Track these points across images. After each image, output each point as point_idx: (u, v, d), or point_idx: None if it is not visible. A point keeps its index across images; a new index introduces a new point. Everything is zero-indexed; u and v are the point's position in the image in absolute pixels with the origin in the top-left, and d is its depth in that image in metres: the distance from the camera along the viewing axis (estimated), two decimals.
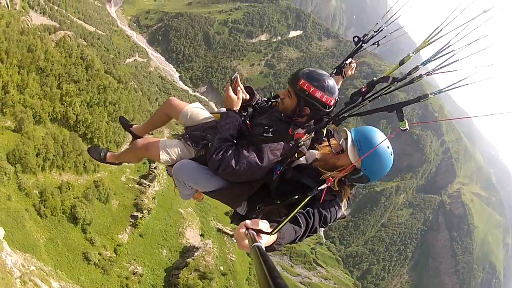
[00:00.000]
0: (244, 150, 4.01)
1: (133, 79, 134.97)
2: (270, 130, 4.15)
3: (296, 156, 4.12)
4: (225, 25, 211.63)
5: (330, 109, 4.09)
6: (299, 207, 3.09)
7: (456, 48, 2.86)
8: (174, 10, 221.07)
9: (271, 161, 3.98)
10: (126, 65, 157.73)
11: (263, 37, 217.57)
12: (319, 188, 3.50)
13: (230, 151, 3.99)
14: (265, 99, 4.89)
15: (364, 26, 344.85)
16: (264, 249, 2.17)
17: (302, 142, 3.88)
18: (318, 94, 3.98)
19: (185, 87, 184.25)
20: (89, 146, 7.81)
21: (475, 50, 2.72)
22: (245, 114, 4.65)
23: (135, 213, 74.93)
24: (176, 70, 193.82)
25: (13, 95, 67.83)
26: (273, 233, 2.83)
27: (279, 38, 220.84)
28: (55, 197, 63.04)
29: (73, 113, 75.94)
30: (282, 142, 4.03)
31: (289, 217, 2.96)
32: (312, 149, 4.42)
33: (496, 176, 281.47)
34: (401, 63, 3.57)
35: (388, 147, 3.81)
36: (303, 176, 3.97)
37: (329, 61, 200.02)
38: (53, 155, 66.66)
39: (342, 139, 3.98)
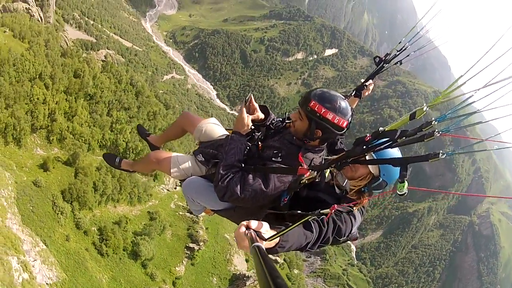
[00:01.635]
0: (250, 177, 3.89)
1: (172, 97, 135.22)
2: (280, 154, 4.05)
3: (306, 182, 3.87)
4: (262, 43, 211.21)
5: (343, 131, 4.00)
6: (302, 221, 3.13)
7: (480, 107, 2.74)
8: (210, 27, 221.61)
9: (277, 188, 3.86)
10: (164, 82, 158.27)
11: (299, 56, 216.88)
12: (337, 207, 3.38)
13: (236, 178, 3.90)
14: (280, 119, 4.56)
15: (396, 41, 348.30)
16: (264, 249, 2.22)
17: (305, 180, 3.81)
18: (330, 116, 3.84)
19: (223, 105, 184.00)
20: (104, 153, 6.53)
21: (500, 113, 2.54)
22: (258, 134, 4.58)
23: (191, 245, 73.99)
24: (214, 88, 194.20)
25: (60, 123, 66.97)
26: (269, 240, 2.81)
27: (315, 56, 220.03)
28: (116, 234, 62.00)
29: (123, 140, 75.99)
30: (289, 176, 3.90)
31: (288, 229, 2.98)
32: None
33: None
34: (412, 117, 3.22)
35: (398, 149, 3.70)
36: (320, 192, 3.91)
37: (364, 78, 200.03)
38: (111, 190, 66.35)
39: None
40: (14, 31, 77.83)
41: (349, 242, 9.25)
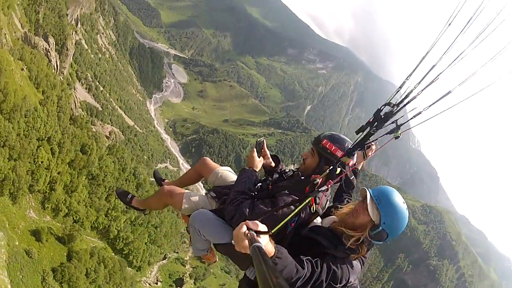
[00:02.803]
0: (259, 203, 4.13)
1: None
2: (288, 187, 4.29)
3: (311, 212, 4.09)
4: None
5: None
6: (295, 211, 3.65)
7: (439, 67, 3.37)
8: (211, 124, 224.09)
9: (284, 213, 3.91)
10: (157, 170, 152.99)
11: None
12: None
13: (246, 202, 4.12)
14: (292, 169, 4.85)
15: (388, 158, 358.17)
16: (264, 249, 2.27)
17: (318, 201, 4.08)
18: (339, 154, 4.24)
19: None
20: (117, 188, 8.07)
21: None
22: (270, 179, 4.73)
23: None
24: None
25: (59, 194, 67.37)
26: (270, 232, 2.88)
27: None
28: None
29: (116, 228, 77.70)
30: (295, 197, 4.08)
31: (287, 219, 3.45)
32: (329, 215, 4.43)
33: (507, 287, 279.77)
34: (399, 89, 3.94)
35: (403, 203, 3.84)
36: (319, 235, 3.97)
37: (354, 195, 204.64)
38: (102, 280, 66.89)
39: (360, 198, 4.14)
40: (31, 72, 78.13)
41: None
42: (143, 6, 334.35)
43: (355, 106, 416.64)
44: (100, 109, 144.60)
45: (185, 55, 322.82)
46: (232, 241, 2.81)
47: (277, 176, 4.76)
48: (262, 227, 2.77)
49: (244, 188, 4.26)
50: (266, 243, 2.78)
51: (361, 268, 3.97)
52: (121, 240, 78.99)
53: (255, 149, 4.67)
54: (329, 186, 4.05)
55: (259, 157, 4.67)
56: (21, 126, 62.17)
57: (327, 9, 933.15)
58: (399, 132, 3.80)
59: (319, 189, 3.96)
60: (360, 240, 3.86)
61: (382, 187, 3.94)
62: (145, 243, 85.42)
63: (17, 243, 54.98)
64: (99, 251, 69.91)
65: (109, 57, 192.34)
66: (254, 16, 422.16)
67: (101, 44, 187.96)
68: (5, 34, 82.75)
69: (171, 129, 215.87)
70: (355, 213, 3.94)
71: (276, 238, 3.74)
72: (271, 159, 4.90)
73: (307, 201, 3.81)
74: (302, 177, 4.39)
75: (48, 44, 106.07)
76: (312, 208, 4.01)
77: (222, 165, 5.65)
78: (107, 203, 76.36)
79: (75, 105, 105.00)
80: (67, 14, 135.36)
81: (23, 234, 59.26)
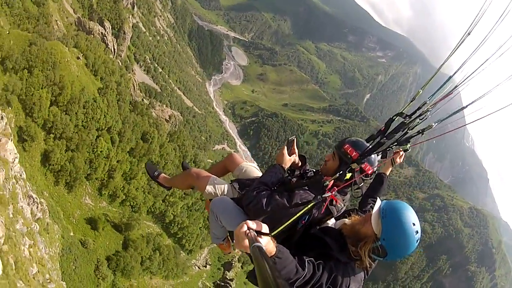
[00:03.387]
0: (276, 195, 4.18)
1: None
2: (306, 182, 4.40)
3: (325, 212, 4.13)
4: (316, 136, 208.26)
5: (367, 178, 4.43)
6: (302, 211, 3.74)
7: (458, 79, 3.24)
8: (270, 108, 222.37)
9: (298, 210, 3.96)
10: (214, 152, 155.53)
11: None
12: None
13: (265, 192, 4.20)
14: (313, 170, 4.93)
15: (442, 153, 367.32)
16: (264, 249, 2.29)
17: (329, 199, 4.05)
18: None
19: None
20: (148, 161, 8.55)
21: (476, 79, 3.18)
22: (293, 174, 4.85)
23: None
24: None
25: (117, 181, 67.77)
26: (272, 234, 2.92)
27: None
28: None
29: (172, 213, 78.54)
30: (312, 195, 4.11)
31: (289, 221, 3.57)
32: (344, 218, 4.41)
33: None
34: (412, 100, 3.88)
35: (414, 224, 3.50)
36: (326, 235, 3.97)
37: (406, 189, 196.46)
38: (155, 267, 67.99)
39: (370, 206, 4.39)
40: (87, 59, 77.56)
41: None
42: None
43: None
44: (159, 90, 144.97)
45: (245, 38, 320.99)
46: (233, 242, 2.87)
47: (299, 173, 4.83)
48: (264, 228, 2.81)
49: (268, 180, 4.37)
50: (266, 243, 2.77)
51: (365, 277, 3.83)
52: (176, 224, 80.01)
53: (285, 147, 4.72)
54: (338, 189, 4.15)
55: (289, 155, 4.72)
56: (80, 117, 62.42)
57: None
58: (408, 145, 3.88)
59: (334, 192, 4.05)
60: (361, 250, 3.71)
61: (397, 202, 3.71)
62: (199, 228, 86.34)
63: (72, 233, 55.37)
64: (154, 238, 70.85)
65: (167, 39, 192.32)
66: (313, 0, 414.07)
67: (159, 27, 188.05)
68: (56, 20, 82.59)
69: (230, 111, 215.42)
70: (363, 221, 3.85)
71: (286, 234, 3.98)
72: (297, 158, 4.88)
73: (311, 204, 3.87)
74: (322, 178, 4.37)
75: (104, 29, 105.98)
76: (325, 208, 4.05)
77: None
78: (165, 190, 74.00)
79: (134, 88, 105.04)
80: None
81: (79, 223, 59.89)
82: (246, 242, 2.57)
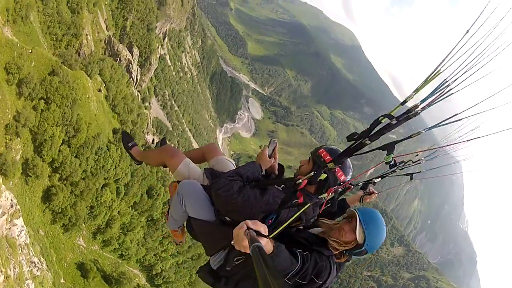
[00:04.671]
0: (248, 186, 4.19)
1: None
2: (278, 183, 4.40)
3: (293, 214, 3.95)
4: None
5: (339, 184, 4.36)
6: (297, 214, 3.63)
7: (452, 84, 3.04)
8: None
9: (269, 204, 4.04)
10: None
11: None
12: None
13: (238, 182, 4.16)
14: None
15: (434, 234, 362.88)
16: (264, 249, 2.30)
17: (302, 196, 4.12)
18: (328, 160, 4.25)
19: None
20: (124, 131, 8.52)
21: (469, 82, 2.97)
22: (267, 178, 4.80)
23: None
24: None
25: (114, 231, 67.01)
26: (270, 236, 2.98)
27: None
28: None
29: (161, 267, 77.68)
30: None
31: (287, 222, 3.50)
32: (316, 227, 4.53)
33: None
34: (403, 102, 3.56)
35: (385, 225, 4.18)
36: (304, 237, 4.11)
37: (392, 268, 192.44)
38: None
39: (345, 218, 4.31)
40: (108, 91, 76.61)
41: None
42: (231, 33, 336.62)
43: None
44: (171, 129, 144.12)
45: (264, 92, 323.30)
46: (232, 242, 2.84)
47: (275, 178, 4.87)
48: (263, 228, 2.79)
49: (244, 173, 4.31)
50: (266, 242, 2.82)
51: (336, 275, 4.02)
52: (162, 278, 79.11)
53: (267, 148, 4.82)
54: (318, 195, 4.20)
55: (269, 157, 4.77)
56: (90, 163, 60.88)
57: (407, 72, 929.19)
58: (391, 157, 3.70)
59: (312, 198, 4.15)
60: (342, 253, 4.11)
61: (368, 210, 4.20)
62: (184, 285, 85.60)
63: (62, 280, 54.58)
64: None
65: (190, 77, 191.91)
66: (337, 66, 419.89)
67: (185, 63, 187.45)
68: (86, 35, 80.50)
69: (234, 162, 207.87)
70: (341, 231, 4.12)
71: None
72: (277, 166, 4.95)
73: (307, 205, 3.83)
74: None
75: (132, 55, 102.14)
76: (298, 208, 3.92)
77: None
78: (159, 246, 77.12)
79: (147, 126, 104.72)
80: (156, 27, 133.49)
81: (69, 267, 59.05)
82: (246, 242, 2.59)
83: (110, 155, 63.19)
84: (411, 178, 5.37)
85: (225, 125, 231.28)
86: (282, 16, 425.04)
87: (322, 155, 4.38)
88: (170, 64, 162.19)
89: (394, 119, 3.36)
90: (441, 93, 3.04)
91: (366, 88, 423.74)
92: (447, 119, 3.22)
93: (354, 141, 3.61)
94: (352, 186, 4.72)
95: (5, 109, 50.17)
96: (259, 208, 3.98)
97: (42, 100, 54.98)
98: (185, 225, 5.20)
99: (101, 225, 65.27)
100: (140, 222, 70.91)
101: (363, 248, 4.02)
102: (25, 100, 53.38)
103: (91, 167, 60.88)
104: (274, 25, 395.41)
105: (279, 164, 5.01)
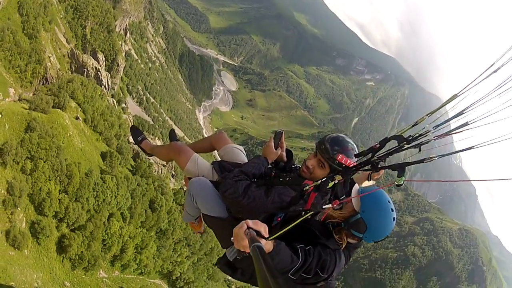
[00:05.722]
0: (254, 185, 4.19)
1: None
2: (287, 178, 4.35)
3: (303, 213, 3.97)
4: None
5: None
6: (296, 222, 3.51)
7: (470, 118, 3.04)
8: (259, 136, 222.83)
9: (275, 203, 4.07)
10: None
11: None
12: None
13: (243, 182, 4.19)
14: (299, 166, 4.70)
15: (430, 173, 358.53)
16: (264, 249, 2.29)
17: (308, 188, 4.06)
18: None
19: None
20: (133, 125, 7.22)
21: (488, 120, 2.93)
22: (275, 166, 4.78)
23: None
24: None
25: (130, 255, 67.48)
26: (270, 238, 3.00)
27: None
28: None
29: (179, 271, 78.29)
30: (291, 192, 4.13)
31: (288, 228, 3.42)
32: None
33: None
34: (415, 124, 3.67)
35: (389, 202, 3.88)
36: (312, 226, 4.01)
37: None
38: None
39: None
40: (86, 113, 76.05)
41: None
42: (191, 11, 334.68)
43: (401, 120, 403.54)
44: (152, 123, 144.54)
45: (234, 62, 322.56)
46: (231, 239, 2.85)
47: (283, 168, 4.77)
48: (263, 229, 2.80)
49: (249, 171, 4.34)
50: (266, 242, 2.84)
51: (345, 264, 4.04)
52: (183, 280, 79.68)
53: (273, 139, 4.75)
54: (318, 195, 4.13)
55: (276, 149, 4.71)
56: (90, 201, 60.97)
57: (374, 18, 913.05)
58: (403, 179, 3.46)
59: (321, 203, 4.06)
60: (340, 229, 3.97)
61: (370, 187, 4.29)
62: (204, 280, 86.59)
63: None
64: None
65: (159, 65, 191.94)
66: (302, 23, 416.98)
67: (151, 53, 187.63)
68: (49, 57, 79.41)
69: None
70: (342, 207, 4.03)
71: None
72: (284, 153, 4.86)
73: (310, 213, 3.83)
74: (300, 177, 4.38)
75: (98, 62, 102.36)
76: (306, 206, 4.05)
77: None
78: (173, 253, 78.21)
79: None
80: (115, 25, 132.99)
81: None
82: (246, 241, 2.60)
83: (107, 186, 63.30)
84: (420, 150, 4.70)
85: (203, 103, 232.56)
86: None
87: (343, 161, 4.06)
88: (137, 58, 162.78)
89: (405, 142, 3.47)
90: (457, 126, 3.10)
91: (335, 40, 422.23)
92: (460, 150, 3.20)
93: (363, 157, 3.87)
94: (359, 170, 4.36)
95: None
96: (265, 208, 4.06)
97: (28, 160, 54.43)
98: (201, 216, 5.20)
99: (116, 253, 65.90)
100: (151, 237, 72.06)
101: (359, 216, 3.82)
102: (11, 168, 52.69)
103: (93, 205, 61.37)
104: None
105: (287, 149, 4.89)
